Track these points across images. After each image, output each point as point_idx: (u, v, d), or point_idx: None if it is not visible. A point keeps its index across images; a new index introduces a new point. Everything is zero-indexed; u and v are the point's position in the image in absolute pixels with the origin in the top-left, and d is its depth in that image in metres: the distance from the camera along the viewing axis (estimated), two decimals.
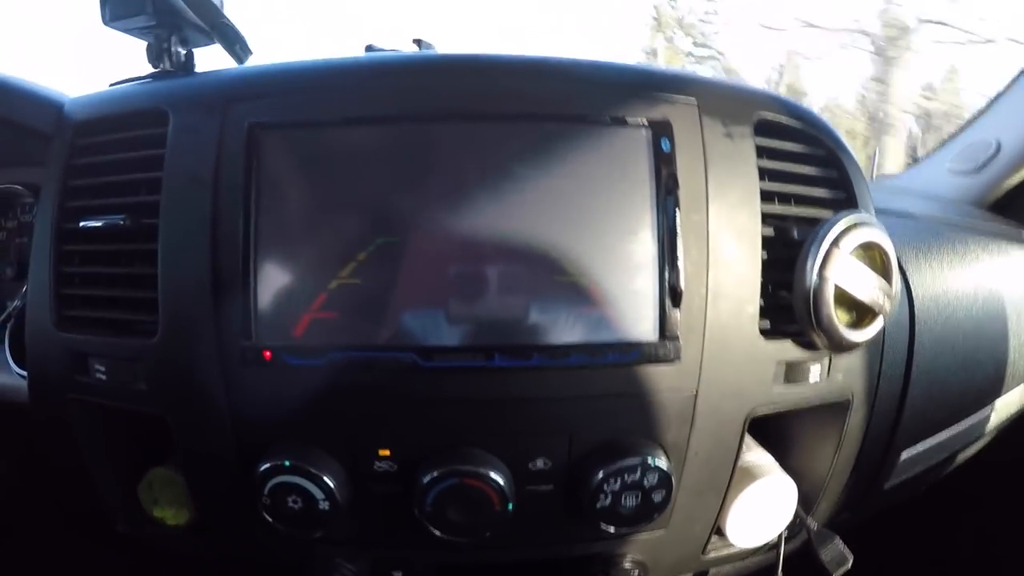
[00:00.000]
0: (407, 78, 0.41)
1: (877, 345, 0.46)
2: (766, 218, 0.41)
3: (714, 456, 0.42)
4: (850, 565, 0.45)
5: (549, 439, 0.40)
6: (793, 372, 0.42)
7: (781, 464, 0.46)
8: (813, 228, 0.40)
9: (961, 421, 0.56)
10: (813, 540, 0.46)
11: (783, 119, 0.43)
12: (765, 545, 0.48)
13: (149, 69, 0.48)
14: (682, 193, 0.38)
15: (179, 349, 0.39)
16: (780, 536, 0.47)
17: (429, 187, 0.38)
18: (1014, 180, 0.73)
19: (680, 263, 0.38)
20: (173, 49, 0.47)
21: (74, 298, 0.43)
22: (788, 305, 0.40)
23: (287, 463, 0.38)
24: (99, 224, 0.42)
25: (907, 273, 0.51)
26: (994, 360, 0.56)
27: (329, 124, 0.39)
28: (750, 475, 0.44)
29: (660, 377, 0.39)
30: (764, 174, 0.42)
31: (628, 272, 0.38)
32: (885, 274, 0.41)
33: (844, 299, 0.40)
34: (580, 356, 0.38)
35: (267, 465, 0.38)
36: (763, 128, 0.42)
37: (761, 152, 0.42)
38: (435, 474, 0.38)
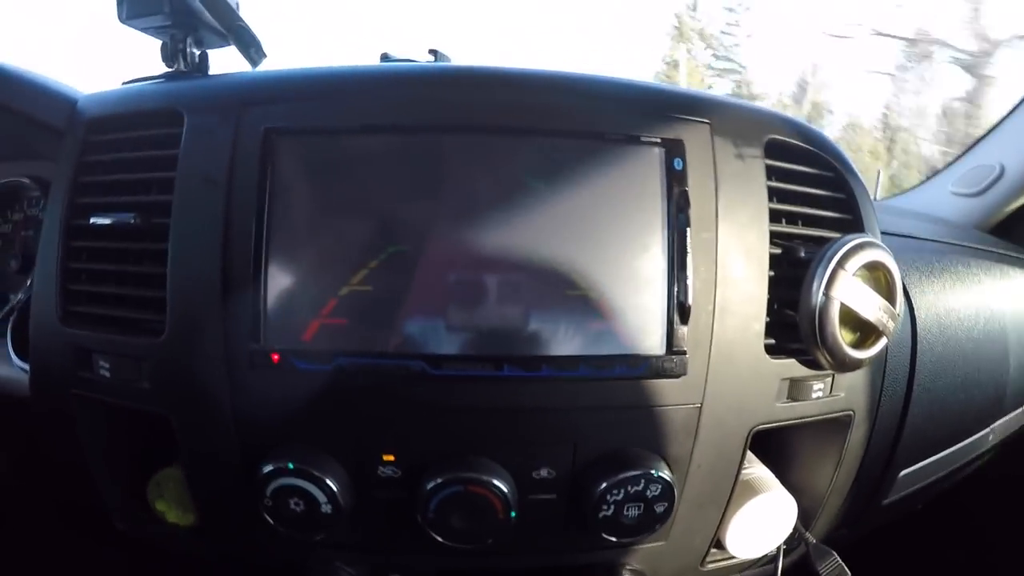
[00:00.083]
0: (424, 89, 0.41)
1: (880, 364, 0.47)
2: (774, 237, 0.42)
3: (716, 469, 0.42)
4: None
5: (554, 449, 0.40)
6: (796, 389, 0.43)
7: (781, 479, 0.46)
8: (819, 248, 0.40)
9: (960, 441, 0.56)
10: (812, 555, 0.46)
11: (793, 141, 0.44)
12: (763, 558, 0.48)
13: (162, 68, 0.48)
14: (693, 211, 0.39)
15: (185, 349, 0.39)
16: (778, 550, 0.47)
17: (442, 197, 0.39)
18: (1017, 204, 0.74)
19: (689, 280, 0.38)
20: (188, 50, 0.47)
21: (80, 294, 0.43)
22: (793, 323, 0.41)
23: (291, 465, 0.38)
24: (109, 221, 0.42)
25: (910, 294, 0.52)
26: (994, 382, 0.56)
27: (345, 132, 0.39)
28: (751, 489, 0.44)
29: (666, 391, 0.39)
30: (773, 194, 0.42)
31: (637, 287, 0.38)
32: (889, 295, 0.41)
33: (849, 318, 0.40)
34: (588, 368, 0.38)
35: (270, 467, 0.38)
36: (773, 149, 0.43)
37: (771, 173, 0.42)
38: (439, 480, 0.38)
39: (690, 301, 0.38)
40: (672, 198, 0.39)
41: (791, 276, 0.41)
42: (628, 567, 0.44)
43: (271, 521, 0.40)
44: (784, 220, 0.43)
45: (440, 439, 0.40)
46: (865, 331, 0.41)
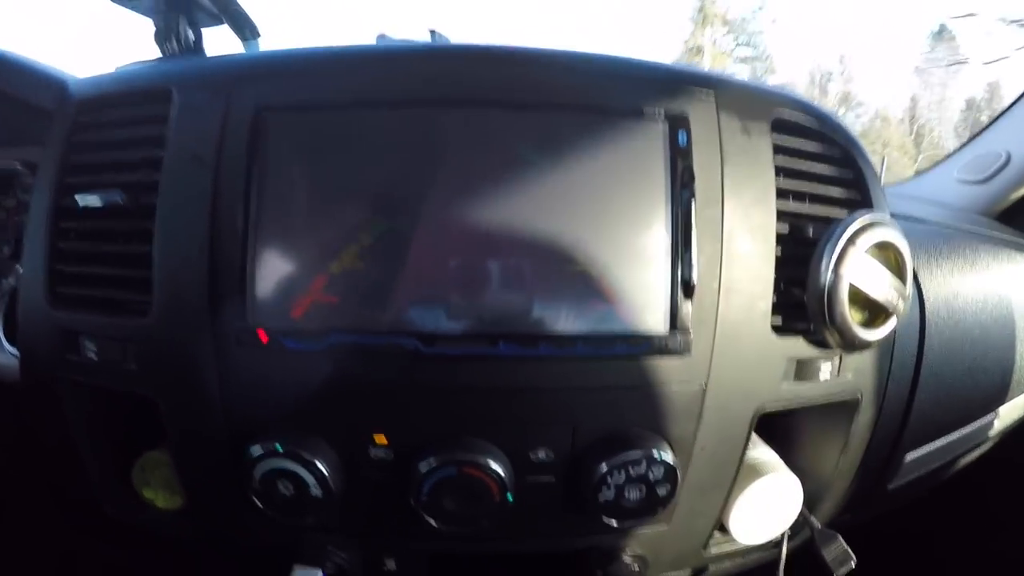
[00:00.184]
0: (418, 64, 0.40)
1: (887, 346, 0.46)
2: (781, 215, 0.41)
3: (720, 452, 0.41)
4: (853, 565, 0.45)
5: (552, 429, 0.39)
6: (803, 370, 0.42)
7: (786, 461, 0.45)
8: (827, 226, 0.39)
9: (967, 425, 0.55)
10: (816, 539, 0.46)
11: (800, 118, 0.43)
12: (768, 542, 0.47)
13: (157, 53, 0.47)
14: (698, 187, 0.38)
15: (171, 329, 0.39)
16: (783, 534, 0.46)
17: (438, 174, 0.37)
18: (1022, 191, 0.74)
19: (693, 257, 0.37)
20: (181, 31, 0.47)
21: (68, 275, 0.42)
22: (801, 302, 0.40)
23: (279, 448, 0.37)
24: (96, 200, 0.41)
25: (918, 276, 0.51)
26: (1001, 366, 0.56)
27: (337, 107, 0.38)
28: (755, 472, 0.43)
29: (669, 370, 0.38)
30: (780, 171, 0.41)
31: (640, 264, 0.37)
32: (900, 274, 0.40)
33: (858, 298, 0.39)
34: (588, 346, 0.37)
35: (258, 449, 0.37)
36: (780, 126, 0.42)
37: (777, 150, 0.41)
38: (433, 462, 0.37)
39: (695, 279, 0.37)
40: (676, 173, 0.38)
41: (798, 255, 0.40)
42: (629, 551, 0.43)
43: (260, 505, 0.39)
44: (791, 198, 0.42)
45: (434, 420, 0.39)
46: (874, 311, 0.40)
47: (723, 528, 0.45)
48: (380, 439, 0.39)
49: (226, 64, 0.42)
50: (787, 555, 0.48)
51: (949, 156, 0.86)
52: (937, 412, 0.51)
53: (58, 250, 0.42)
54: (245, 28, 0.51)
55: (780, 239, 0.41)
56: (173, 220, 0.38)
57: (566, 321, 0.37)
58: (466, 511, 0.38)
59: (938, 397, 0.51)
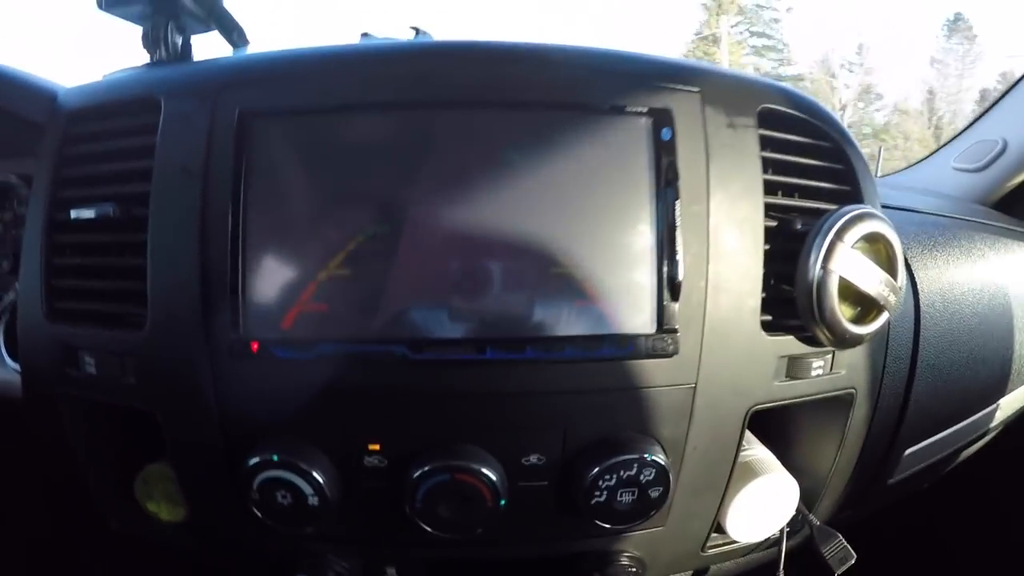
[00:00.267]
0: (403, 64, 0.40)
1: (882, 340, 0.45)
2: (769, 210, 0.40)
3: (713, 452, 0.41)
4: (853, 562, 0.45)
5: (543, 434, 0.39)
6: (795, 367, 0.42)
7: (783, 460, 0.45)
8: (816, 220, 0.39)
9: (966, 418, 0.55)
10: (816, 537, 0.45)
11: (788, 110, 0.42)
12: (766, 541, 0.47)
13: (145, 58, 0.47)
14: (682, 183, 0.38)
15: (167, 342, 0.39)
16: (782, 532, 0.46)
17: (421, 176, 0.37)
18: (1019, 178, 0.73)
19: (679, 255, 0.37)
20: (169, 37, 0.47)
21: (65, 290, 0.42)
22: (791, 299, 0.40)
23: (275, 458, 0.37)
24: (90, 214, 0.41)
25: (912, 268, 0.50)
26: (999, 357, 0.55)
27: (321, 111, 0.38)
28: (750, 471, 0.43)
29: (658, 371, 0.38)
30: (767, 165, 0.41)
31: (626, 264, 0.37)
32: (890, 268, 0.40)
33: (848, 292, 0.39)
34: (574, 349, 0.37)
35: (255, 460, 0.38)
36: (767, 119, 0.41)
37: (765, 143, 0.41)
38: (425, 469, 0.37)
39: (681, 277, 0.37)
40: (661, 170, 0.37)
41: (787, 250, 0.40)
42: (625, 554, 0.43)
43: (259, 515, 0.39)
44: (780, 192, 0.41)
45: (425, 426, 0.39)
46: (866, 306, 0.40)
47: (720, 529, 0.45)
48: (374, 447, 0.39)
49: (211, 70, 0.42)
50: (788, 553, 0.47)
51: (945, 144, 0.85)
52: (935, 405, 0.51)
53: (54, 265, 0.42)
54: (234, 33, 0.51)
55: (768, 234, 0.40)
56: (164, 232, 0.39)
57: (553, 324, 0.37)
58: (460, 517, 0.38)
59: (936, 390, 0.50)
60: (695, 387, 0.39)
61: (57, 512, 0.62)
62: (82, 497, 0.48)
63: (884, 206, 0.46)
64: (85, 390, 0.42)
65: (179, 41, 0.47)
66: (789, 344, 0.41)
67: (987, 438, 0.61)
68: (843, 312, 0.39)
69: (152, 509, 0.45)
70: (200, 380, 0.38)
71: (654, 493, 0.39)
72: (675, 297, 0.37)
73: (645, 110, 0.38)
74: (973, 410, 0.55)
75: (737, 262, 0.39)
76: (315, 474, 0.37)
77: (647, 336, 0.37)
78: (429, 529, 0.39)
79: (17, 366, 0.49)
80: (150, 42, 0.46)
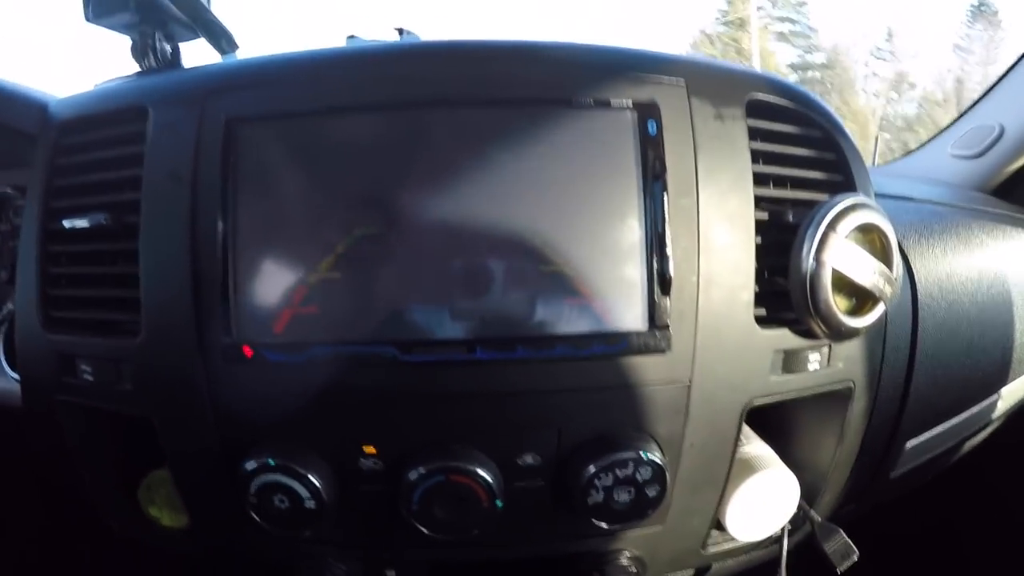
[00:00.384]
0: (387, 65, 0.40)
1: (879, 331, 0.45)
2: (760, 202, 0.40)
3: (710, 448, 0.41)
4: (856, 558, 0.44)
5: (537, 433, 0.39)
6: (791, 361, 0.41)
7: (782, 455, 0.45)
8: (808, 211, 0.38)
9: (968, 409, 0.54)
10: (817, 533, 0.45)
11: (776, 100, 0.42)
12: (768, 538, 0.46)
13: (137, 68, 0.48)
14: (670, 177, 0.37)
15: (162, 348, 0.39)
16: (783, 529, 0.46)
17: (409, 176, 0.37)
18: (1017, 164, 0.72)
19: (669, 249, 0.37)
20: (158, 45, 0.47)
21: (61, 299, 0.42)
22: (784, 291, 0.39)
23: (272, 462, 0.37)
24: (82, 223, 0.41)
25: (909, 257, 0.50)
26: (1000, 347, 0.54)
27: (307, 115, 0.38)
28: (749, 468, 0.42)
29: (651, 368, 0.38)
30: (757, 156, 0.40)
31: (615, 260, 0.37)
32: (885, 258, 0.39)
33: (843, 284, 0.38)
34: (565, 347, 0.37)
35: (252, 464, 0.38)
36: (755, 109, 0.41)
37: (754, 134, 0.40)
38: (421, 471, 0.37)
39: (671, 272, 0.37)
40: (648, 164, 0.37)
41: (780, 242, 0.39)
42: (624, 553, 0.43)
43: (257, 519, 0.39)
44: (771, 183, 0.41)
45: (420, 428, 0.38)
46: (861, 297, 0.39)
47: (720, 526, 0.44)
48: (369, 449, 0.39)
49: (198, 77, 0.43)
50: (791, 550, 0.47)
51: (942, 131, 0.84)
52: (936, 396, 0.50)
53: (49, 274, 0.42)
54: (222, 40, 0.51)
55: (760, 227, 0.40)
56: (156, 239, 0.39)
57: (544, 322, 0.37)
58: (457, 519, 0.38)
59: (936, 380, 0.49)
60: (690, 383, 0.39)
61: (58, 518, 0.62)
62: (83, 503, 0.48)
63: (879, 195, 0.45)
64: (83, 398, 0.43)
65: (168, 49, 0.47)
66: (784, 338, 0.40)
67: (989, 429, 0.60)
68: (838, 304, 0.38)
69: (154, 515, 0.45)
70: (195, 385, 0.38)
71: (651, 491, 0.39)
72: (666, 292, 0.37)
73: (630, 103, 0.37)
74: (974, 400, 0.55)
75: (729, 256, 0.39)
76: (311, 477, 0.37)
77: (639, 333, 0.37)
78: (426, 531, 0.39)
79: (16, 375, 0.49)
80: (139, 52, 0.47)
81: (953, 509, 0.74)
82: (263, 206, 0.38)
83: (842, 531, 0.45)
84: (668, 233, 0.37)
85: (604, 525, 0.39)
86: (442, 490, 0.37)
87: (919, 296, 0.49)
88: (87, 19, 0.47)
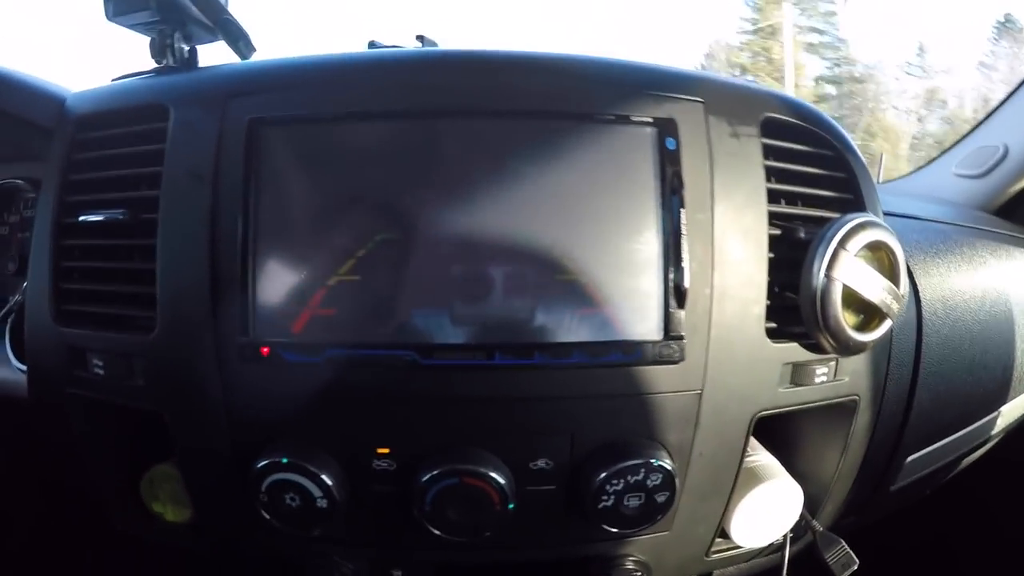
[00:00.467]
0: (410, 74, 0.41)
1: (884, 347, 0.46)
2: (772, 218, 0.41)
3: (718, 457, 0.41)
4: (855, 568, 0.45)
5: (551, 439, 0.39)
6: (799, 374, 0.42)
7: (786, 466, 0.45)
8: (820, 229, 0.39)
9: (969, 425, 0.55)
10: (819, 543, 0.46)
11: (790, 119, 0.43)
12: (770, 547, 0.47)
13: (152, 65, 0.48)
14: (687, 192, 0.38)
15: (176, 345, 0.39)
16: (785, 538, 0.46)
17: (430, 183, 0.38)
18: (1020, 185, 0.73)
19: (685, 262, 0.38)
20: (176, 45, 0.47)
21: (73, 293, 0.43)
22: (795, 306, 0.40)
23: (285, 460, 0.38)
24: (99, 218, 0.41)
25: (914, 275, 0.51)
26: (1001, 364, 0.55)
27: (330, 119, 0.38)
28: (755, 477, 0.43)
29: (664, 377, 0.39)
30: (771, 174, 0.41)
31: (632, 271, 0.38)
32: (893, 275, 0.40)
33: (852, 300, 0.39)
34: (582, 355, 0.37)
35: (265, 462, 0.38)
36: (770, 128, 0.42)
37: (768, 152, 0.41)
38: (435, 473, 0.37)
39: (686, 284, 0.38)
40: (666, 179, 0.38)
41: (791, 258, 0.40)
42: (631, 558, 0.43)
43: (267, 516, 0.39)
44: (783, 200, 0.42)
45: (434, 431, 0.39)
46: (869, 313, 0.40)
47: (724, 534, 0.45)
48: (383, 450, 0.39)
49: (220, 77, 0.43)
50: (791, 559, 0.47)
51: (947, 150, 0.85)
52: (938, 412, 0.51)
53: (62, 268, 0.43)
54: (240, 42, 0.51)
55: (773, 242, 0.41)
56: (174, 237, 0.39)
57: (561, 330, 0.37)
58: (468, 521, 0.38)
59: (938, 396, 0.50)
60: (701, 393, 0.39)
61: (60, 513, 0.62)
62: (86, 498, 0.48)
63: (886, 213, 0.46)
64: (92, 391, 0.43)
65: (185, 49, 0.48)
66: (793, 351, 0.41)
67: (988, 446, 0.61)
68: (847, 320, 0.39)
69: (158, 510, 0.45)
70: (209, 383, 0.39)
71: (660, 498, 0.39)
72: (681, 304, 0.38)
73: (650, 120, 0.38)
74: (975, 417, 0.56)
75: (742, 270, 0.39)
76: (324, 477, 0.38)
77: (654, 343, 0.38)
78: (437, 532, 0.39)
79: (23, 367, 0.49)
80: (157, 51, 0.47)
81: (947, 524, 0.75)
82: (283, 207, 0.38)
83: (843, 541, 0.46)
84: (684, 246, 0.38)
85: (613, 530, 0.40)
86: (455, 492, 0.38)
87: (923, 313, 0.50)
88: (107, 17, 0.47)
